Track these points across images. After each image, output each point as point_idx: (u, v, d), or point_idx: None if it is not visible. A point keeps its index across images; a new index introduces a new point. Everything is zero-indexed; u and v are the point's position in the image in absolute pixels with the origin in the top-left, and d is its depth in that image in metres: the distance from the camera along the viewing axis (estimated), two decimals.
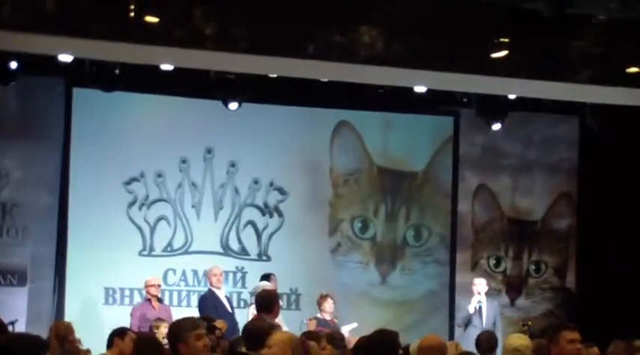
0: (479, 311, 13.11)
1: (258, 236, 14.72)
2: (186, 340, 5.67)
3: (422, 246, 15.53)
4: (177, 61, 11.43)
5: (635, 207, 14.92)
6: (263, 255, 14.70)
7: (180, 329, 5.76)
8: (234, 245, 14.61)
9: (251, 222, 14.72)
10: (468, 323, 13.10)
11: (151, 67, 12.13)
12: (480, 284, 13.36)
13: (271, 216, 14.82)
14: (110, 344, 8.68)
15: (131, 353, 7.81)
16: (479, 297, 13.20)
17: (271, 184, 14.80)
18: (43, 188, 13.74)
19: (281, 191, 14.84)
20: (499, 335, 12.63)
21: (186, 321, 5.92)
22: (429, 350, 6.77)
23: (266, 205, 14.80)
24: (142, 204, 14.23)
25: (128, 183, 14.14)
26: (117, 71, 12.42)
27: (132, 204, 14.17)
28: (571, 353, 6.41)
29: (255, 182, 14.74)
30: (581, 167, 16.01)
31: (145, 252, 14.18)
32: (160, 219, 14.31)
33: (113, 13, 10.03)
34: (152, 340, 7.94)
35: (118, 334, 8.72)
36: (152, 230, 14.26)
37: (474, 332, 12.56)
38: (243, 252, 14.64)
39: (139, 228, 14.19)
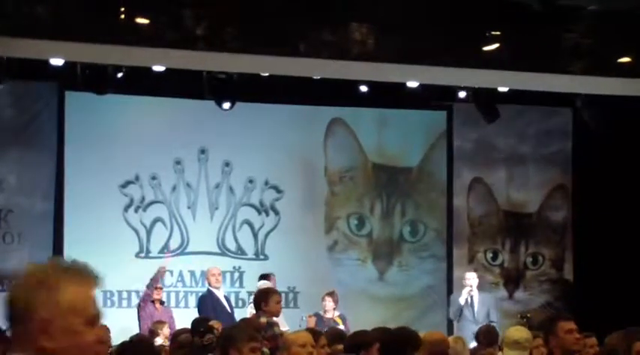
0: (470, 304, 13.11)
1: (255, 235, 14.73)
2: (241, 348, 5.67)
3: (418, 242, 15.54)
4: (168, 62, 11.43)
5: (630, 197, 14.93)
6: (260, 254, 14.70)
7: (237, 336, 5.75)
8: (230, 245, 14.61)
9: (247, 222, 14.72)
10: (459, 315, 13.10)
11: (143, 68, 12.13)
12: (471, 278, 13.38)
13: (267, 214, 14.82)
14: None
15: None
16: (469, 289, 13.20)
17: (266, 183, 14.80)
18: (38, 193, 13.73)
19: (276, 190, 14.84)
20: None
21: (246, 331, 5.91)
22: (429, 346, 6.77)
23: (262, 204, 14.80)
24: (138, 207, 14.23)
25: (123, 185, 14.14)
26: (109, 74, 12.40)
27: (127, 206, 14.17)
28: (571, 343, 6.38)
29: (250, 181, 14.74)
30: (575, 158, 16.02)
31: (142, 254, 14.17)
32: (155, 220, 14.31)
33: (104, 15, 10.04)
34: (147, 343, 7.87)
35: None
36: (148, 232, 14.26)
37: (466, 325, 12.63)
38: (240, 251, 14.64)
39: (135, 230, 14.19)
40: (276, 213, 14.83)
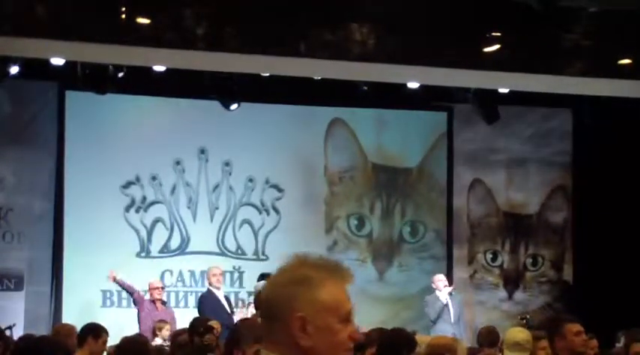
0: (446, 305, 13.14)
1: (255, 235, 14.72)
2: (244, 350, 5.60)
3: (418, 242, 15.54)
4: (169, 62, 11.43)
5: (630, 199, 14.93)
6: (260, 254, 14.69)
7: (242, 338, 5.68)
8: (230, 245, 14.61)
9: (247, 221, 14.71)
10: (439, 316, 13.11)
11: (144, 68, 12.13)
12: (444, 280, 13.40)
13: (268, 214, 14.81)
14: (82, 340, 8.09)
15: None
16: (448, 289, 13.22)
17: (266, 183, 14.80)
18: (38, 192, 13.74)
19: (276, 189, 14.83)
20: (462, 330, 12.78)
21: (252, 333, 5.78)
22: (438, 348, 6.76)
23: (262, 204, 14.80)
24: (138, 207, 14.22)
25: (123, 185, 14.13)
26: (109, 73, 12.40)
27: (127, 206, 14.16)
28: (578, 345, 6.42)
29: (250, 181, 14.74)
30: (575, 159, 16.02)
31: (143, 254, 14.17)
32: (156, 220, 14.31)
33: (104, 15, 10.04)
34: (138, 345, 7.85)
35: (92, 333, 8.11)
36: (148, 232, 14.26)
37: (444, 327, 12.60)
38: (240, 251, 14.64)
39: (135, 230, 14.19)
40: (277, 212, 14.83)
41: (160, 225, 14.33)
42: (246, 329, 5.96)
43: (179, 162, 14.43)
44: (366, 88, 13.59)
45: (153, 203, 14.32)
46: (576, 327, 6.44)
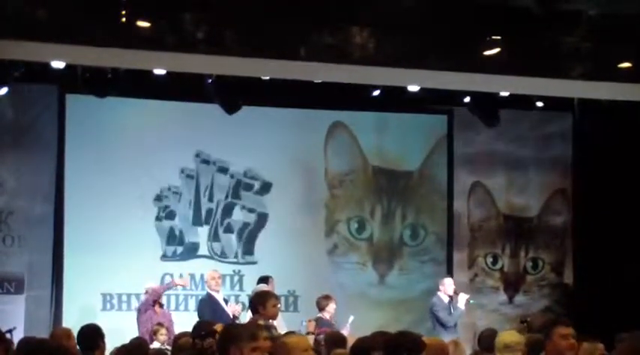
0: (449, 309, 13.15)
1: (255, 238, 14.72)
2: (242, 348, 5.48)
3: (419, 246, 15.54)
4: (169, 65, 11.43)
5: (630, 201, 14.94)
6: (260, 257, 14.68)
7: (238, 335, 5.56)
8: (230, 248, 14.61)
9: (247, 225, 14.72)
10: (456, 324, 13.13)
11: (144, 71, 12.13)
12: (452, 285, 13.38)
13: (267, 217, 14.81)
14: (94, 343, 7.83)
15: None
16: (465, 296, 13.23)
17: (266, 186, 14.80)
18: (39, 195, 13.74)
19: (276, 192, 14.83)
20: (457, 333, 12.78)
21: (248, 329, 5.64)
22: (431, 351, 6.76)
23: (262, 207, 14.79)
24: (138, 209, 14.20)
25: (123, 188, 14.11)
26: (109, 77, 12.40)
27: (127, 209, 14.14)
28: (565, 348, 6.46)
29: (251, 185, 14.74)
30: (575, 163, 16.03)
31: (143, 257, 14.15)
32: (155, 224, 14.30)
33: (105, 18, 10.06)
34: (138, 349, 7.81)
35: (101, 337, 7.86)
36: (147, 235, 14.24)
37: (449, 332, 12.57)
38: (240, 255, 14.63)
39: (134, 234, 14.16)
40: (277, 216, 14.82)
41: (160, 228, 14.33)
42: (241, 328, 5.91)
43: (179, 165, 14.43)
44: (367, 91, 13.56)
45: (152, 206, 14.30)
46: (565, 330, 6.48)
